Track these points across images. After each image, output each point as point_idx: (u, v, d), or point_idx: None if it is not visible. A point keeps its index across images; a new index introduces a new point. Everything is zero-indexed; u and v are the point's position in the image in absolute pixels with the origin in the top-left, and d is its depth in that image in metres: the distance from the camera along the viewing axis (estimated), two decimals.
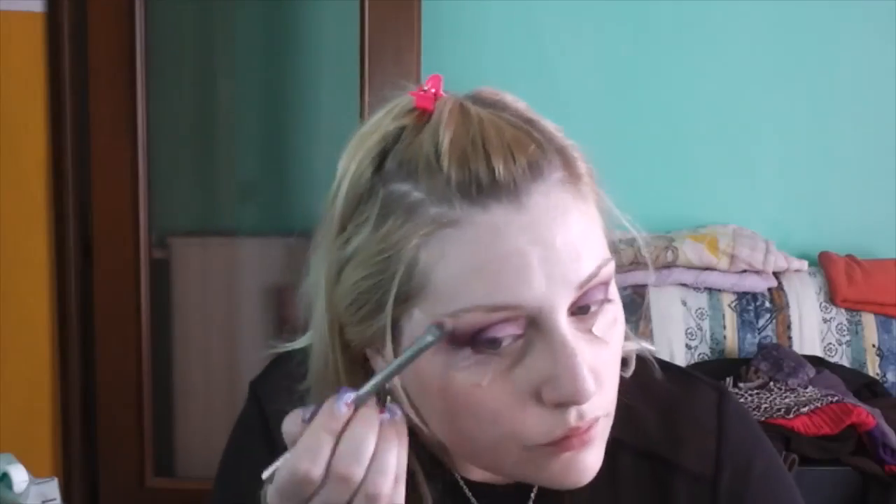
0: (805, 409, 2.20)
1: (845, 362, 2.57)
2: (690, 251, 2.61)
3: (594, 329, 0.71)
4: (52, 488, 1.75)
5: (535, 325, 0.69)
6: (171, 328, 2.80)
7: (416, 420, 0.74)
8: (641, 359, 0.84)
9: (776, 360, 2.43)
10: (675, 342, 2.57)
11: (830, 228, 2.83)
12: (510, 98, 0.75)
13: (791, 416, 2.19)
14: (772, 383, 2.36)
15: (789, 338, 2.58)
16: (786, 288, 2.63)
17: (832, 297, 2.60)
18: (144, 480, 2.68)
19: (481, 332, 0.68)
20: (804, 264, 2.68)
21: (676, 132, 2.83)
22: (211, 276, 2.86)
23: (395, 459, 0.67)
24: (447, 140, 0.69)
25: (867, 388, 2.45)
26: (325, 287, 0.74)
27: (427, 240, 0.69)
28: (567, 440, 0.71)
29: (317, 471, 0.66)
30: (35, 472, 1.78)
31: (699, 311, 2.60)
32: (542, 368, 0.69)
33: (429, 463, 0.79)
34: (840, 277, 2.60)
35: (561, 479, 0.73)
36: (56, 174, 2.58)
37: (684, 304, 2.60)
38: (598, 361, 0.71)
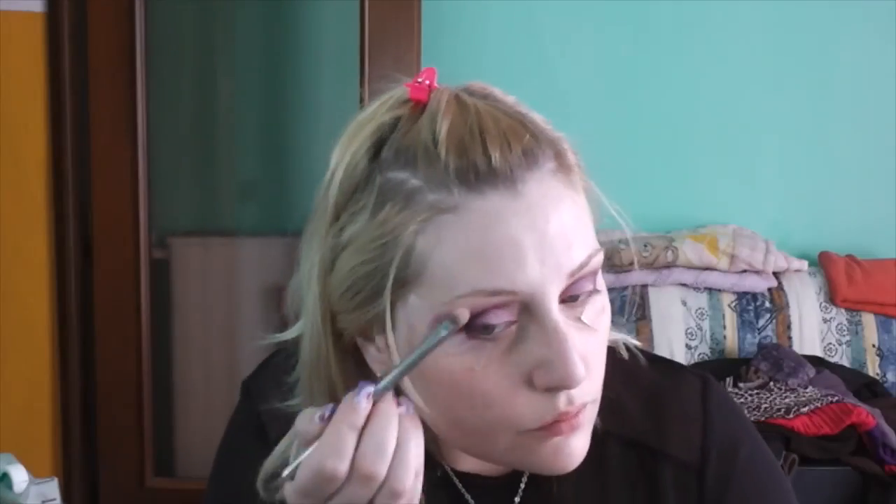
0: (805, 409, 2.20)
1: (845, 362, 2.56)
2: (690, 251, 2.61)
3: (583, 317, 0.73)
4: (52, 488, 1.75)
5: (527, 311, 0.70)
6: (171, 328, 2.80)
7: (420, 405, 0.74)
8: (626, 349, 0.86)
9: (776, 360, 2.43)
10: (675, 342, 2.57)
11: (830, 228, 2.83)
12: (500, 92, 0.77)
13: (791, 416, 2.19)
14: (772, 383, 2.36)
15: (789, 338, 2.58)
16: (786, 288, 2.63)
17: (832, 297, 2.60)
18: (144, 480, 2.68)
19: (476, 317, 0.70)
20: (804, 264, 2.68)
21: (676, 132, 2.83)
22: (211, 276, 2.86)
23: (415, 453, 0.68)
24: (445, 128, 0.71)
25: (867, 388, 2.45)
26: (319, 276, 0.75)
27: (425, 226, 0.70)
28: (556, 425, 0.72)
29: (343, 468, 0.67)
30: (35, 472, 1.79)
31: (699, 311, 2.60)
32: (534, 353, 0.71)
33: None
34: (840, 277, 2.60)
35: (550, 463, 0.74)
36: (56, 174, 2.58)
37: (684, 304, 2.60)
38: (587, 348, 0.73)
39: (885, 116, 2.79)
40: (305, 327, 0.78)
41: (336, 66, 2.81)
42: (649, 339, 2.55)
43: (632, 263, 2.39)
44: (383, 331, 0.73)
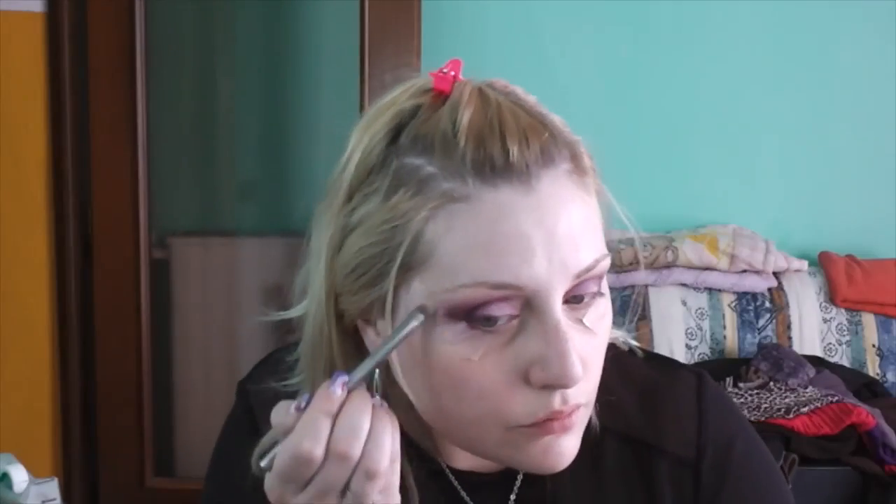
0: (805, 409, 2.20)
1: (845, 362, 2.56)
2: (690, 251, 2.61)
3: (584, 319, 0.73)
4: (52, 488, 1.75)
5: (530, 306, 0.71)
6: (171, 328, 2.80)
7: (407, 391, 0.75)
8: (620, 346, 0.87)
9: (776, 360, 2.43)
10: (675, 342, 2.57)
11: (830, 228, 2.83)
12: (521, 91, 0.77)
13: (791, 416, 2.19)
14: (772, 383, 2.36)
15: (789, 338, 2.58)
16: (786, 288, 2.63)
17: (832, 297, 2.60)
18: (144, 480, 2.68)
19: (478, 308, 0.70)
20: (804, 264, 2.68)
21: (676, 132, 2.83)
22: (211, 276, 2.86)
23: (390, 438, 0.69)
24: (466, 119, 0.71)
25: (867, 388, 2.45)
26: (327, 253, 0.76)
27: (436, 213, 0.71)
28: (548, 423, 0.73)
29: (318, 450, 0.67)
30: (35, 472, 1.79)
31: (699, 311, 2.60)
32: (533, 349, 0.71)
33: (414, 453, 0.80)
34: (840, 277, 2.60)
35: (539, 462, 0.74)
36: (56, 174, 2.58)
37: (684, 304, 2.60)
38: (586, 350, 0.73)
39: (885, 116, 2.79)
40: (310, 306, 0.79)
41: (336, 66, 2.81)
42: (649, 339, 2.55)
43: (632, 263, 2.39)
44: (383, 314, 0.73)
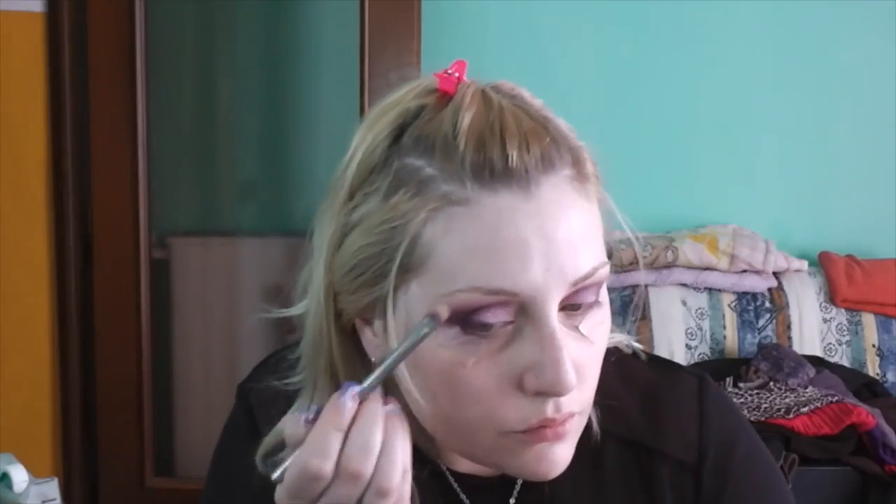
0: (805, 409, 2.20)
1: (845, 362, 2.56)
2: (690, 251, 2.61)
3: (581, 327, 0.73)
4: (52, 488, 1.75)
5: (526, 313, 0.70)
6: (171, 328, 2.80)
7: (416, 396, 0.74)
8: (623, 349, 0.86)
9: (776, 360, 2.43)
10: (675, 342, 2.57)
11: (830, 228, 2.83)
12: (528, 94, 0.76)
13: (791, 416, 2.19)
14: (772, 383, 2.36)
15: (789, 338, 2.58)
16: (786, 288, 2.63)
17: (832, 297, 2.60)
18: (144, 480, 2.68)
19: (473, 313, 0.70)
20: (804, 264, 2.68)
21: (676, 132, 2.83)
22: (211, 276, 2.85)
23: (402, 452, 0.68)
24: (467, 121, 0.71)
25: (867, 388, 2.45)
26: (327, 252, 0.75)
27: (434, 215, 0.70)
28: (541, 431, 0.72)
29: (327, 467, 0.66)
30: (35, 472, 1.79)
31: (699, 311, 2.60)
32: (527, 356, 0.70)
33: (415, 455, 0.79)
34: (840, 277, 2.60)
35: (533, 469, 0.74)
36: (56, 174, 2.58)
37: (684, 304, 2.60)
38: (582, 358, 0.72)
39: (885, 116, 2.79)
40: (310, 304, 0.78)
41: (336, 66, 2.81)
42: (649, 339, 2.55)
43: (632, 263, 2.39)
44: (382, 315, 0.73)
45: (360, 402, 0.68)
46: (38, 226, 2.58)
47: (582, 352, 0.72)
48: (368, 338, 0.76)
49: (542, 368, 0.70)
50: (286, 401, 0.81)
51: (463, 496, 0.84)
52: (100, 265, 2.62)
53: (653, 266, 2.60)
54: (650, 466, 0.84)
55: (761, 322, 2.59)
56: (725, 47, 2.81)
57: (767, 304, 2.61)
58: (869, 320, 2.59)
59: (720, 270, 2.61)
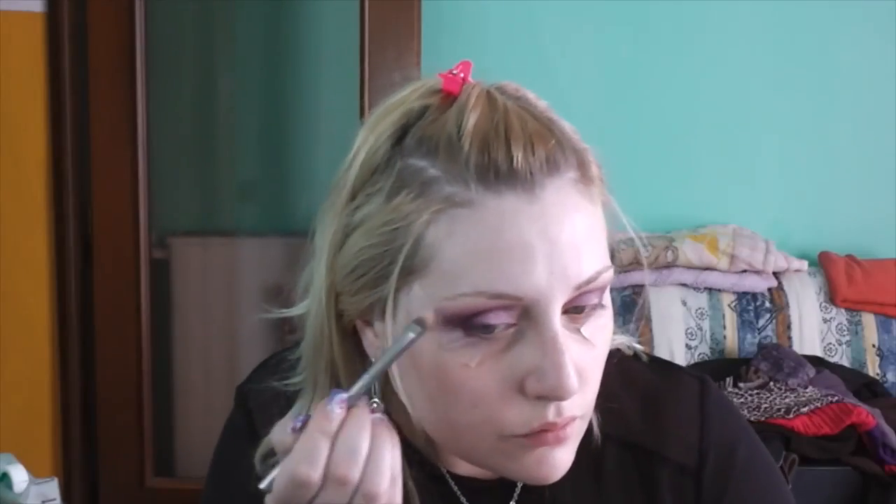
0: (805, 409, 2.20)
1: (845, 362, 2.56)
2: (690, 251, 2.61)
3: (583, 330, 0.72)
4: (52, 488, 1.75)
5: (528, 316, 0.70)
6: (171, 328, 2.80)
7: (415, 398, 0.74)
8: (624, 351, 0.85)
9: (776, 360, 2.43)
10: (675, 342, 2.57)
11: (830, 228, 2.83)
12: (532, 95, 0.76)
13: (791, 416, 2.19)
14: (772, 383, 2.36)
15: (789, 338, 2.58)
16: (786, 288, 2.63)
17: (832, 297, 2.60)
18: (144, 480, 2.68)
19: (476, 316, 0.69)
20: (804, 264, 2.68)
21: (676, 132, 2.83)
22: (211, 276, 2.86)
23: (390, 458, 0.68)
24: (471, 122, 0.70)
25: (867, 388, 2.45)
26: (328, 252, 0.75)
27: (437, 217, 0.69)
28: (542, 435, 0.72)
29: (315, 474, 0.66)
30: (35, 472, 1.79)
31: (699, 311, 2.60)
32: (529, 359, 0.70)
33: (415, 458, 0.80)
34: (840, 277, 2.60)
35: (533, 473, 0.74)
36: (56, 174, 2.58)
37: (684, 304, 2.60)
38: (584, 362, 0.72)
39: (885, 117, 2.79)
40: (311, 304, 0.78)
41: (336, 66, 2.81)
42: (649, 339, 2.55)
43: (632, 263, 2.39)
44: (382, 317, 0.73)
45: (349, 409, 0.68)
46: (38, 226, 2.58)
47: (584, 355, 0.72)
48: (370, 339, 0.75)
49: (543, 372, 0.69)
50: (286, 402, 0.81)
51: (463, 499, 0.84)
52: (100, 265, 2.62)
53: (653, 266, 2.60)
54: (650, 469, 0.84)
55: (761, 322, 2.59)
56: (725, 47, 2.81)
57: (767, 304, 2.61)
58: (869, 320, 2.59)
59: (720, 270, 2.61)
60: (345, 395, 0.68)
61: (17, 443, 2.29)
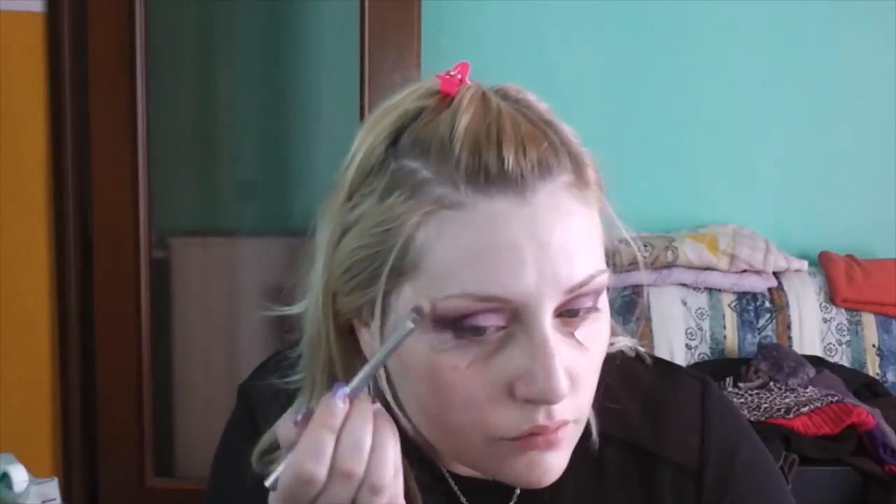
0: (805, 409, 2.20)
1: (845, 362, 2.56)
2: (690, 251, 2.61)
3: (577, 334, 0.72)
4: (52, 488, 1.75)
5: (518, 319, 0.69)
6: (171, 328, 2.80)
7: (408, 400, 0.74)
8: (626, 352, 0.85)
9: (776, 360, 2.43)
10: (675, 342, 2.57)
11: (830, 228, 2.83)
12: (534, 98, 0.76)
13: (791, 416, 2.19)
14: (772, 383, 2.36)
15: (789, 338, 2.58)
16: (786, 288, 2.63)
17: (832, 297, 2.60)
18: (144, 480, 2.68)
19: (465, 318, 0.69)
20: (804, 264, 2.68)
21: (676, 132, 2.83)
22: (211, 276, 2.86)
23: (393, 450, 0.68)
24: (463, 124, 0.70)
25: (867, 388, 2.46)
26: (326, 251, 0.75)
27: (427, 218, 0.69)
28: (532, 438, 0.71)
29: (322, 470, 0.67)
30: (35, 472, 1.79)
31: (699, 311, 2.60)
32: (519, 362, 0.70)
33: (415, 455, 0.80)
34: (840, 277, 2.60)
35: (524, 476, 0.73)
36: (56, 174, 2.58)
37: (684, 304, 2.60)
38: (576, 366, 0.71)
39: (886, 116, 2.79)
40: (309, 303, 0.78)
41: (336, 66, 2.81)
42: (649, 340, 2.55)
43: (632, 263, 2.39)
44: (373, 316, 0.73)
45: (351, 402, 0.68)
46: (38, 226, 2.59)
47: (577, 359, 0.71)
48: (366, 338, 0.76)
49: (533, 376, 0.69)
50: (287, 399, 0.81)
51: (463, 499, 0.84)
52: (100, 265, 2.62)
53: (653, 266, 2.60)
54: (651, 471, 0.83)
55: (761, 322, 2.59)
56: (725, 47, 2.82)
57: (767, 304, 2.61)
58: (869, 320, 2.59)
59: (720, 270, 2.61)
60: (347, 389, 0.68)
61: (17, 443, 2.28)
